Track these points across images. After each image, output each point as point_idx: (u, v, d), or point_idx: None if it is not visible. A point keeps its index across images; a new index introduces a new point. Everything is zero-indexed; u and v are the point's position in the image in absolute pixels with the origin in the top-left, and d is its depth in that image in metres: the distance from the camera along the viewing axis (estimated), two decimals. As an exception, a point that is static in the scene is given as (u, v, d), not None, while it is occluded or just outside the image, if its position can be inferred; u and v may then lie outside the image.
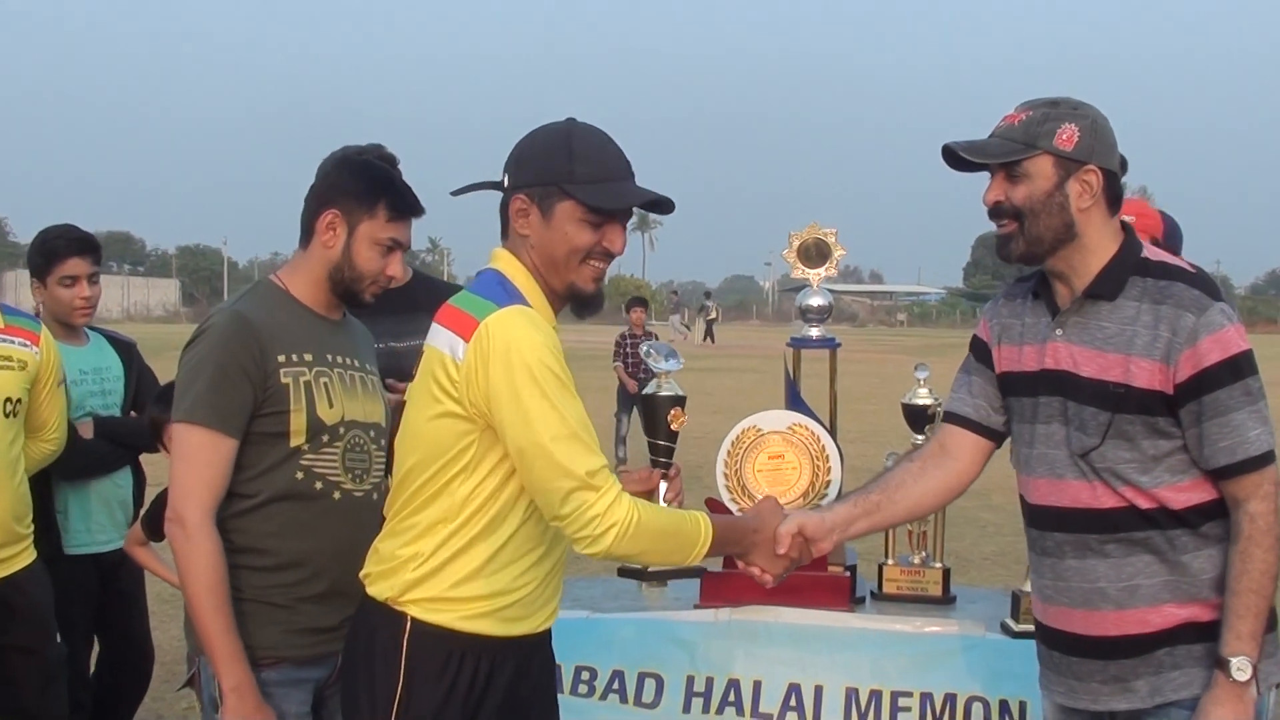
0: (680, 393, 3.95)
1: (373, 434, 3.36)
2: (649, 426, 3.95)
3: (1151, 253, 3.14)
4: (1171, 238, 4.32)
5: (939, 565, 4.32)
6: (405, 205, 3.35)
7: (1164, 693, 3.08)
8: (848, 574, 4.22)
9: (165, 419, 3.96)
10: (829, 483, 4.12)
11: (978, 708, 3.84)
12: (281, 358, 3.19)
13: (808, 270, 4.45)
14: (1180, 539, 3.06)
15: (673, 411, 3.89)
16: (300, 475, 3.21)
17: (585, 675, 3.98)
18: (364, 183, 3.32)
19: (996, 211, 3.16)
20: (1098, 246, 3.10)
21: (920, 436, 4.37)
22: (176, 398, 3.21)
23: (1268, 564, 2.96)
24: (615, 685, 3.95)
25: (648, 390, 3.94)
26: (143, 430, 4.97)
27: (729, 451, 4.16)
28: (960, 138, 3.13)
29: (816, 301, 4.45)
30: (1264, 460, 2.98)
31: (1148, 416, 3.02)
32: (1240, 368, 2.98)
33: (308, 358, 3.25)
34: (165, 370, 5.32)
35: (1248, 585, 2.96)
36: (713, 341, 50.17)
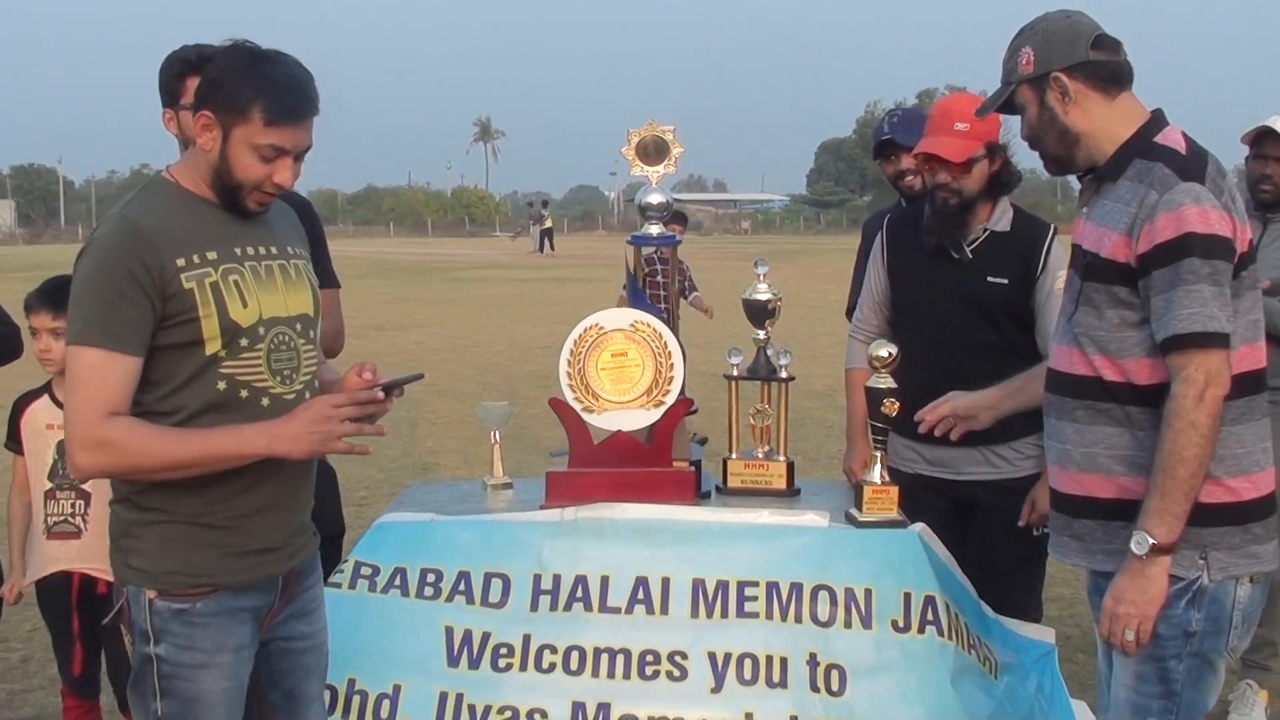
0: None
1: (299, 327, 3.11)
2: None
3: (1163, 137, 3.23)
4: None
5: (783, 459, 4.34)
6: (283, 109, 2.94)
7: (1117, 561, 3.19)
8: (692, 469, 4.23)
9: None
10: (672, 379, 4.11)
11: (824, 595, 3.89)
12: (181, 261, 2.91)
13: (647, 168, 4.40)
14: (1138, 415, 3.18)
15: None
16: (223, 385, 2.96)
17: (430, 578, 3.95)
18: (236, 82, 2.93)
19: (1030, 145, 3.43)
20: (1106, 133, 3.28)
21: (761, 332, 4.38)
22: (68, 320, 2.96)
23: (1175, 446, 3.02)
24: (461, 586, 3.93)
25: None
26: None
27: (571, 351, 4.12)
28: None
29: (656, 199, 4.40)
30: (1189, 341, 3.03)
31: (1110, 285, 3.17)
32: (1188, 246, 3.04)
33: (212, 256, 2.97)
34: (4, 293, 5.10)
35: (1157, 463, 3.07)
36: (552, 250, 49.86)
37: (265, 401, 3.02)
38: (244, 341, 2.98)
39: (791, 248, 56.53)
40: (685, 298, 12.60)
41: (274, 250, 3.13)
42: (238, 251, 3.03)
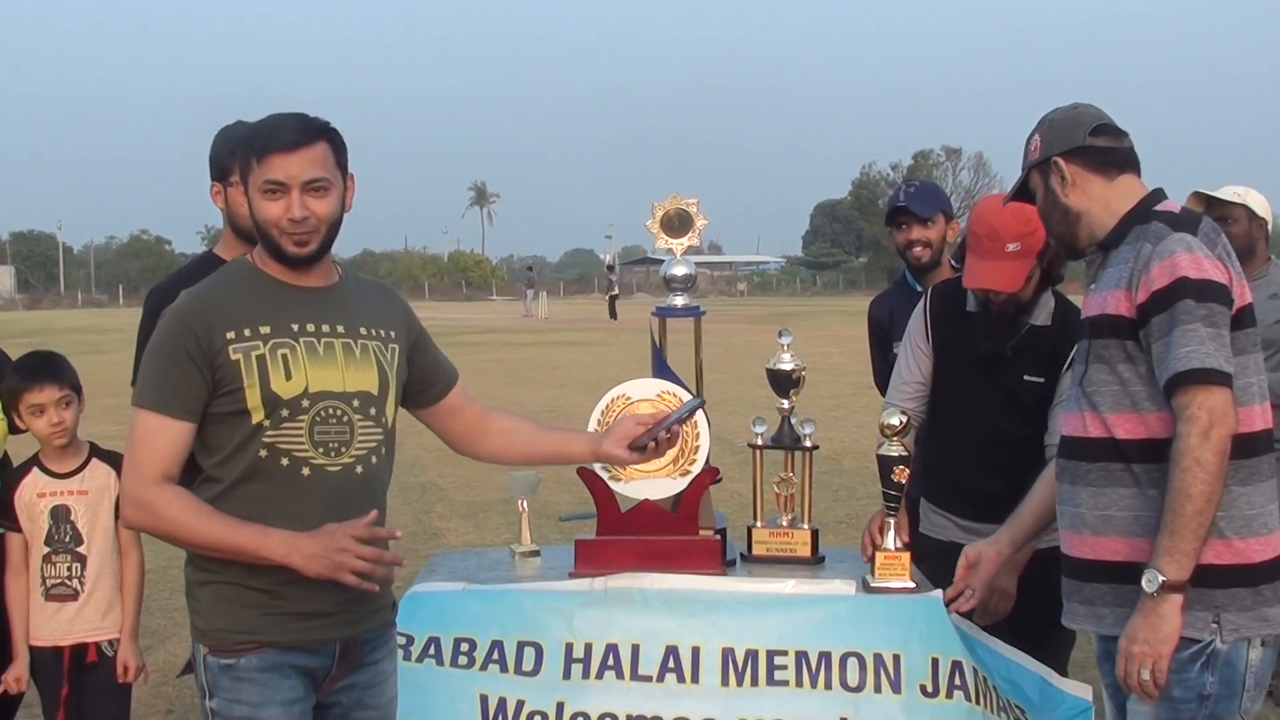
0: None
1: (356, 404, 3.19)
2: None
3: (1162, 205, 3.42)
4: None
5: (807, 527, 4.40)
6: (266, 140, 3.11)
7: (1125, 625, 3.24)
8: (718, 537, 4.29)
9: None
10: (698, 448, 4.18)
11: (853, 661, 3.93)
12: (231, 334, 3.09)
13: (671, 240, 4.50)
14: (1152, 473, 3.24)
15: None
16: (264, 453, 3.10)
17: (464, 646, 3.99)
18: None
19: (1043, 225, 3.73)
20: (1105, 210, 3.46)
21: (785, 401, 4.45)
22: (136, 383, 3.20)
23: (1182, 484, 3.09)
24: (495, 655, 3.97)
25: None
26: None
27: (599, 421, 4.18)
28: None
29: (680, 270, 4.51)
30: (1189, 378, 3.12)
31: (1118, 340, 3.30)
32: (1181, 289, 3.16)
33: (264, 330, 3.12)
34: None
35: (1165, 503, 3.13)
36: (614, 318, 49.29)
37: (306, 471, 3.13)
38: (285, 412, 3.11)
39: (788, 310, 56.65)
40: None
41: (341, 329, 3.22)
42: (294, 328, 3.16)
